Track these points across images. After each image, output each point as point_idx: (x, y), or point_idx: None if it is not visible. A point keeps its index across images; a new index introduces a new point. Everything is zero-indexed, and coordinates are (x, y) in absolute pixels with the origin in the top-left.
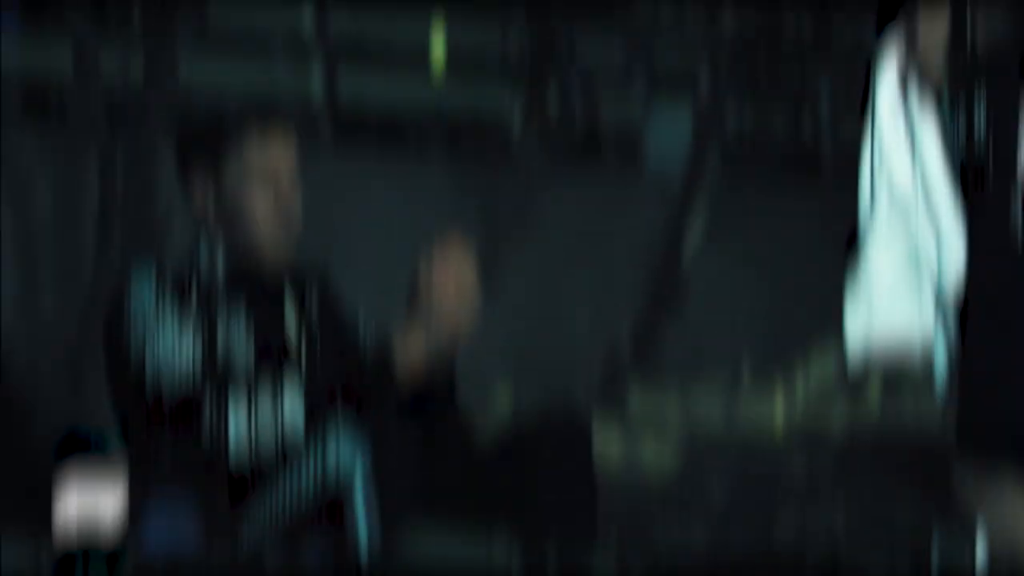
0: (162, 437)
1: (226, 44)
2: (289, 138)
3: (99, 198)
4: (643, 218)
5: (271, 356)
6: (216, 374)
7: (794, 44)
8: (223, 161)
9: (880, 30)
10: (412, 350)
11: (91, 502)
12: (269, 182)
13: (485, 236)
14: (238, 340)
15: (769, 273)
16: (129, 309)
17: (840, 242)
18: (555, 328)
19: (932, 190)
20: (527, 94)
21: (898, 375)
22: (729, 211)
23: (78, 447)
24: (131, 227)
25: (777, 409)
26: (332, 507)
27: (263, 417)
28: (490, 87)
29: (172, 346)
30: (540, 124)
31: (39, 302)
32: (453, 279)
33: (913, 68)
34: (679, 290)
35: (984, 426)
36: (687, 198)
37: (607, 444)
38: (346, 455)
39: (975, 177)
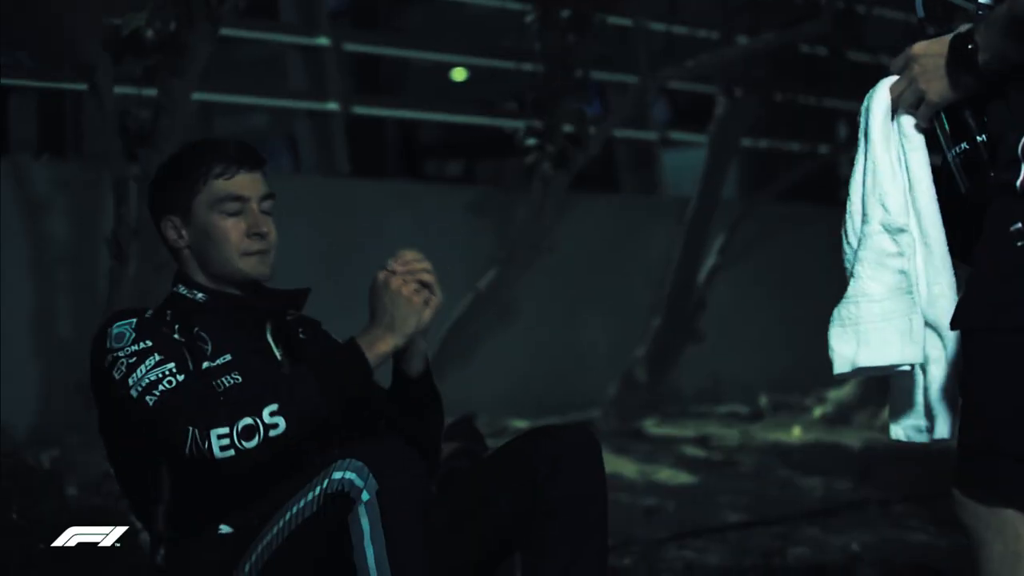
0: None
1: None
2: (255, 165)
3: (114, 223)
4: (660, 242)
5: (255, 373)
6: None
7: (811, 67)
8: (191, 194)
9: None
10: (378, 352)
11: None
12: (239, 210)
13: (502, 260)
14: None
15: (785, 295)
16: (110, 342)
17: None
18: (571, 350)
19: (923, 214)
20: (546, 119)
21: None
22: (746, 236)
23: None
24: (145, 251)
25: (795, 431)
26: (337, 523)
27: (246, 430)
28: (508, 111)
29: (156, 370)
30: (557, 148)
31: (56, 322)
32: (407, 285)
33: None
34: (696, 314)
35: (986, 445)
36: (704, 223)
37: (623, 464)
38: (352, 472)
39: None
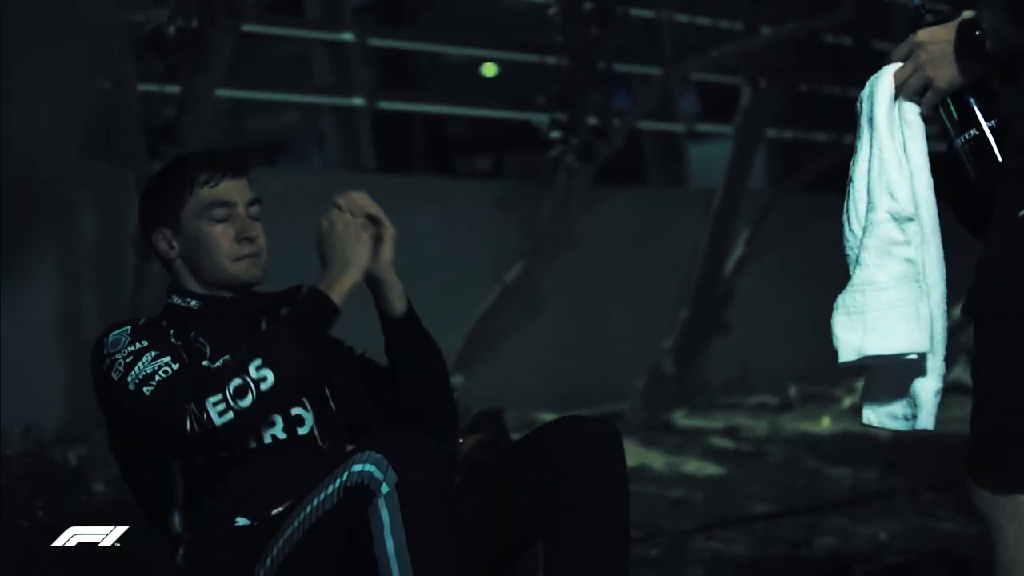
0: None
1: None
2: (240, 172)
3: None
4: (687, 234)
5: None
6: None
7: (836, 57)
8: (179, 204)
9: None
10: (339, 291)
11: None
12: (227, 215)
13: (527, 253)
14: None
15: (812, 286)
16: (107, 348)
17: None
18: (600, 343)
19: (922, 204)
20: (570, 112)
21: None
22: (772, 227)
23: None
24: None
25: (824, 422)
26: (358, 516)
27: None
28: (534, 105)
29: (153, 364)
30: (581, 140)
31: (83, 321)
32: (353, 225)
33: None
34: (723, 305)
35: (995, 431)
36: (730, 214)
37: (652, 456)
38: (371, 465)
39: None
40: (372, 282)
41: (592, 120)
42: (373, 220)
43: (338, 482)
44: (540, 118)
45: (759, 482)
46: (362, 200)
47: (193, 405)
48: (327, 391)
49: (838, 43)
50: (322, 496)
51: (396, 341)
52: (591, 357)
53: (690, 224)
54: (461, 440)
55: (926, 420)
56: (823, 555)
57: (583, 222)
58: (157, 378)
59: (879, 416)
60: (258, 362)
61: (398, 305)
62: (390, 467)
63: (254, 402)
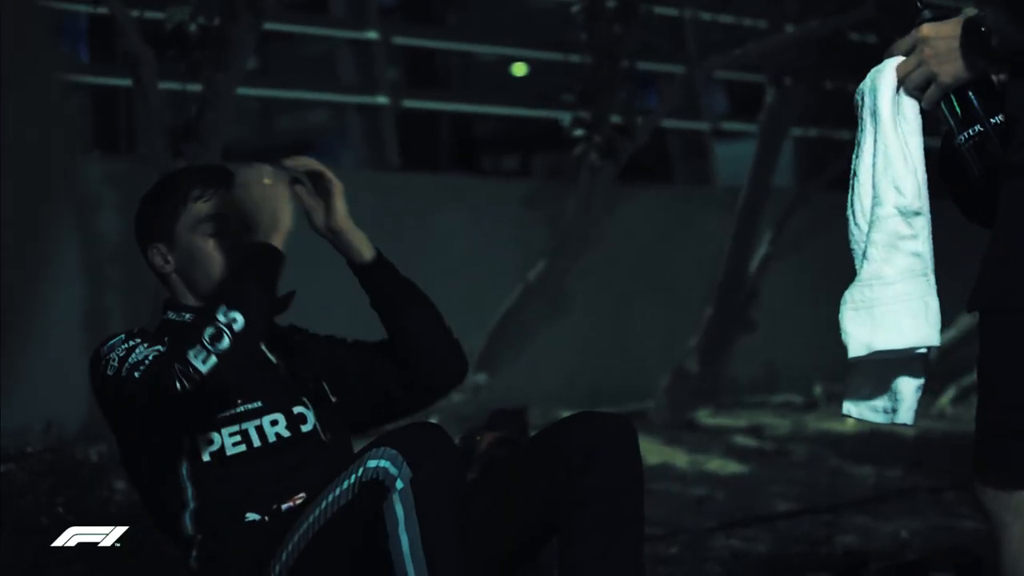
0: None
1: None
2: (230, 184)
3: None
4: (712, 233)
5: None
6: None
7: (860, 54)
8: (173, 220)
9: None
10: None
11: None
12: (221, 228)
13: (551, 251)
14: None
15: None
16: (103, 352)
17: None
18: (624, 342)
19: (926, 199)
20: (593, 110)
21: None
22: (798, 225)
23: None
24: None
25: (849, 420)
26: (373, 512)
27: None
28: (561, 104)
29: (145, 352)
30: (606, 139)
31: (106, 319)
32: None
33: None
34: (748, 304)
35: (999, 427)
36: (754, 212)
37: (675, 455)
38: (386, 461)
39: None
40: (335, 237)
41: (615, 118)
42: (317, 177)
43: (353, 477)
44: (566, 117)
45: (782, 480)
46: (304, 160)
47: (177, 365)
48: (325, 386)
49: (862, 41)
50: (337, 492)
51: (374, 288)
52: (615, 355)
53: (715, 222)
54: (479, 437)
55: (906, 415)
56: (843, 553)
57: (608, 220)
58: (148, 361)
59: (860, 408)
60: (224, 308)
61: (365, 252)
62: (405, 463)
63: (232, 343)
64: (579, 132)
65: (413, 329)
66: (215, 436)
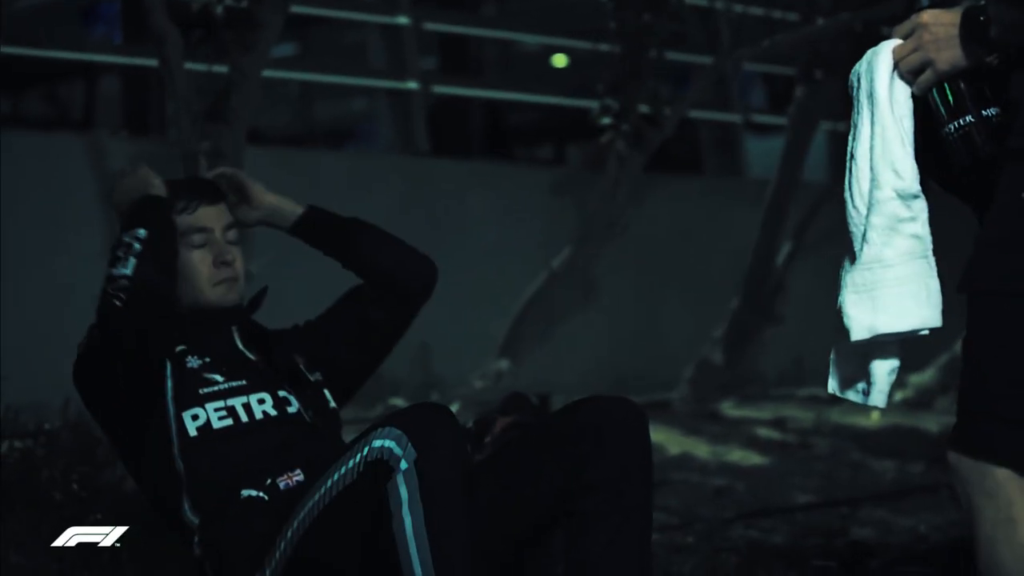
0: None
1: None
2: (215, 199)
3: None
4: (742, 225)
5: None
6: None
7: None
8: (159, 233)
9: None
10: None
11: None
12: (205, 240)
13: (577, 240)
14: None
15: None
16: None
17: (941, 250)
18: (652, 331)
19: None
20: (621, 99)
21: None
22: (829, 219)
23: None
24: None
25: (874, 415)
26: (377, 492)
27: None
28: (589, 93)
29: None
30: (634, 128)
31: None
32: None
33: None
34: (774, 297)
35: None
36: (783, 205)
37: (696, 445)
38: (391, 441)
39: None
40: (266, 217)
41: (643, 107)
42: (226, 179)
43: (358, 456)
44: (595, 105)
45: (802, 473)
46: (216, 171)
47: (108, 287)
48: (303, 369)
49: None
50: (342, 470)
51: (319, 237)
52: (641, 345)
53: (745, 214)
54: (491, 422)
55: (877, 397)
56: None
57: (635, 209)
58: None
59: (840, 386)
60: (127, 230)
61: (295, 210)
62: (409, 443)
63: (144, 245)
64: (606, 120)
65: (368, 252)
66: (200, 411)
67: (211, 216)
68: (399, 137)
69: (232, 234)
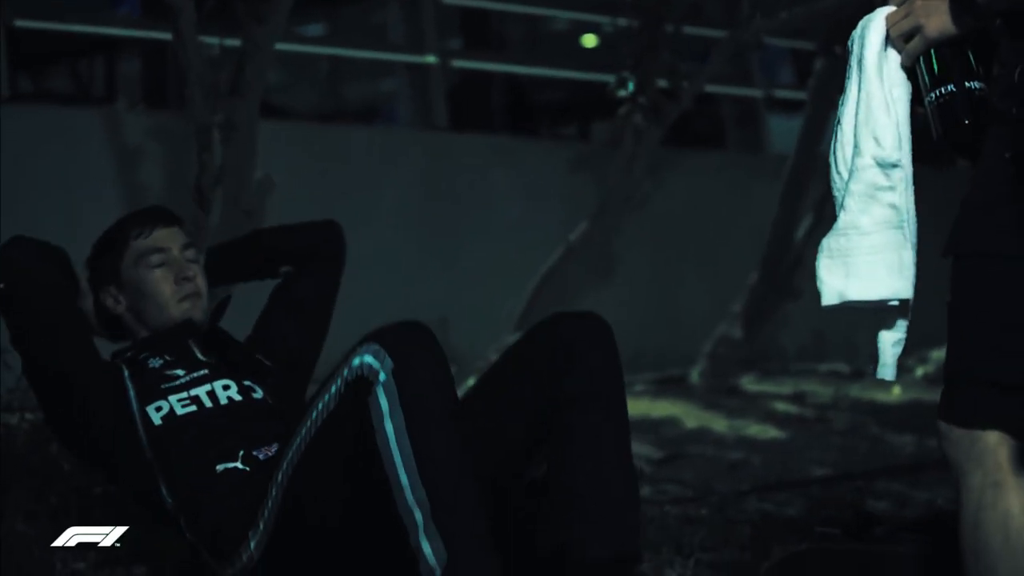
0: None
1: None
2: (170, 222)
3: (196, 170)
4: (762, 200)
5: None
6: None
7: None
8: (118, 261)
9: None
10: None
11: None
12: (163, 260)
13: (594, 214)
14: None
15: None
16: None
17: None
18: (672, 306)
19: (905, 151)
20: (639, 72)
21: None
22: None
23: None
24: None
25: (894, 390)
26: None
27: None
28: (608, 68)
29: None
30: (651, 101)
31: None
32: None
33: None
34: (793, 271)
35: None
36: (802, 180)
37: (714, 419)
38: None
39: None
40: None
41: (661, 81)
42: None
43: (339, 380)
44: (611, 78)
45: (820, 447)
46: None
47: None
48: (261, 359)
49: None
50: (326, 398)
51: (227, 271)
52: (660, 320)
53: (765, 190)
54: None
55: (883, 370)
56: (871, 518)
57: (654, 184)
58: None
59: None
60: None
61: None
62: (387, 355)
63: (10, 243)
64: (623, 92)
65: (270, 245)
66: (163, 403)
67: (167, 237)
68: (418, 112)
69: (191, 253)
